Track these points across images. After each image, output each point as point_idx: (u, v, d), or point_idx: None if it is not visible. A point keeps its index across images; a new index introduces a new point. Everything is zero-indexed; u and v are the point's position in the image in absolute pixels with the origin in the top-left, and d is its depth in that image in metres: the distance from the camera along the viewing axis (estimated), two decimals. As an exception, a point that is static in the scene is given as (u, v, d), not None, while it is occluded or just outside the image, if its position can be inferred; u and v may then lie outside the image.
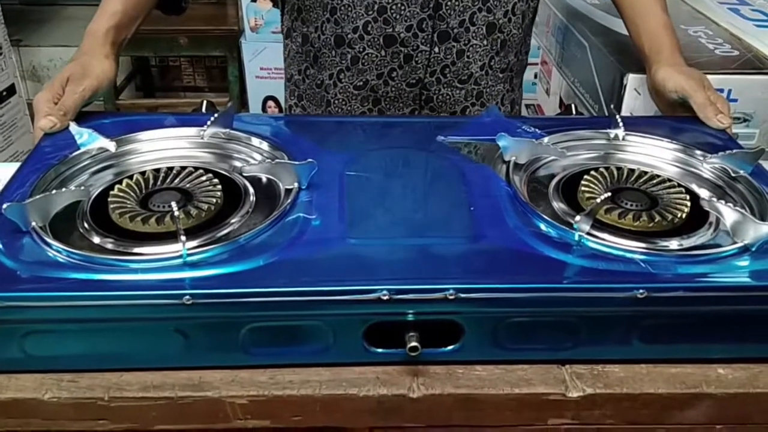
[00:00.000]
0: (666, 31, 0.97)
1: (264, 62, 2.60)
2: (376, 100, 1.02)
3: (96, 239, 0.65)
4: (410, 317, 0.60)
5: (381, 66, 0.99)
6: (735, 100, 1.04)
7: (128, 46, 0.94)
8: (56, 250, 0.61)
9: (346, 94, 1.03)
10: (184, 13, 1.04)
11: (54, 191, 0.66)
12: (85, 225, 0.66)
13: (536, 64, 1.95)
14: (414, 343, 0.59)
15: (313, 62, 1.04)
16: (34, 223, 0.63)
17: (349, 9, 0.95)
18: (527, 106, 2.00)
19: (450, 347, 0.62)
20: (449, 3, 0.95)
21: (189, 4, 1.03)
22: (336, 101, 1.04)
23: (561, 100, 1.50)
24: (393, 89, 1.00)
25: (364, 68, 0.99)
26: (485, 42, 1.00)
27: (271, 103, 2.70)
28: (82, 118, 0.82)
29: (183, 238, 0.60)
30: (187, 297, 0.57)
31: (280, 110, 2.64)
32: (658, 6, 0.99)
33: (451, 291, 0.59)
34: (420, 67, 0.98)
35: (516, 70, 1.09)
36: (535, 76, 2.00)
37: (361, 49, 0.98)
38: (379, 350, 0.61)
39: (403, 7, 0.94)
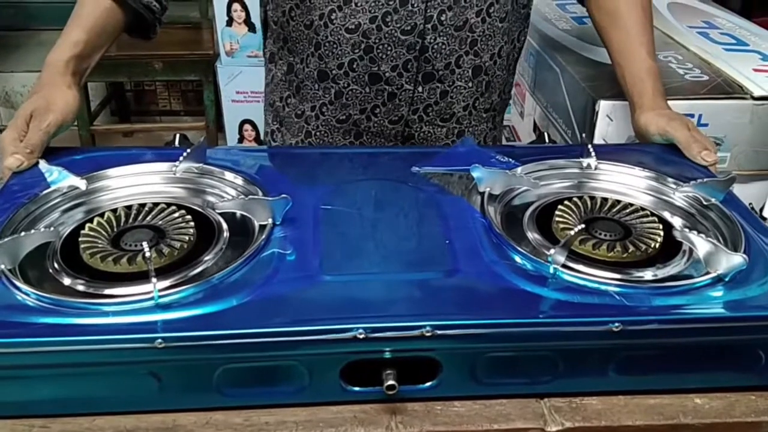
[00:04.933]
0: (649, 76, 0.97)
1: (240, 86, 2.60)
2: (358, 134, 1.02)
3: (66, 281, 0.64)
4: (387, 355, 0.59)
5: (364, 102, 0.98)
6: (706, 125, 1.05)
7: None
8: (25, 293, 0.60)
9: (328, 127, 1.02)
10: (156, 38, 1.01)
11: (23, 233, 0.65)
12: (56, 266, 0.65)
13: (511, 86, 1.96)
14: (391, 382, 0.58)
15: (296, 92, 1.03)
16: (2, 266, 0.62)
17: (335, 46, 0.95)
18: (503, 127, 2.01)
19: (428, 384, 0.61)
20: (436, 46, 0.94)
21: (157, 34, 1.01)
22: (318, 133, 1.03)
23: (535, 123, 1.51)
24: (375, 125, 1.00)
25: (347, 103, 0.99)
26: (470, 84, 1.00)
27: (247, 126, 2.69)
28: (53, 153, 0.81)
29: (154, 279, 0.59)
30: (159, 340, 0.56)
31: (257, 134, 2.64)
32: (644, 50, 0.99)
33: (427, 328, 0.58)
34: (403, 104, 0.98)
35: (499, 109, 1.09)
36: (511, 98, 2.01)
37: (345, 85, 0.97)
38: (357, 389, 0.61)
39: (389, 48, 0.94)
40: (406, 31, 0.93)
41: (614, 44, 1.02)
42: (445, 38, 0.94)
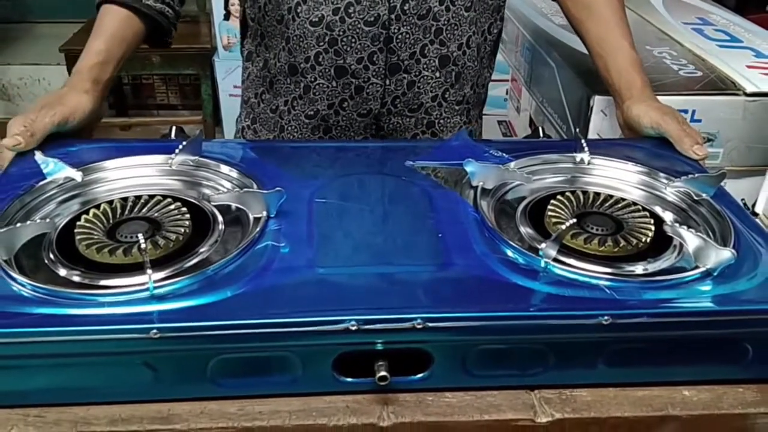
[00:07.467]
0: (635, 68, 0.97)
1: (237, 80, 2.58)
2: (327, 128, 1.03)
3: (62, 272, 0.64)
4: (379, 346, 0.60)
5: (332, 96, 0.99)
6: (699, 121, 1.06)
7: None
8: (21, 284, 0.60)
9: (299, 122, 1.04)
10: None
11: (19, 224, 0.65)
12: (51, 257, 0.66)
13: (507, 81, 1.97)
14: (383, 373, 0.59)
15: (269, 87, 1.05)
16: (-2, 257, 0.63)
17: (301, 39, 0.96)
18: (499, 122, 2.02)
19: (419, 375, 0.62)
20: (400, 36, 0.95)
21: (173, 37, 1.04)
22: (289, 128, 1.05)
23: (531, 118, 1.52)
24: (344, 119, 1.01)
25: (315, 98, 1.00)
26: (438, 74, 1.00)
27: (244, 120, 2.69)
28: (50, 144, 0.81)
29: (149, 271, 0.59)
30: (154, 331, 0.57)
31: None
32: (626, 42, 0.99)
33: (419, 320, 0.59)
34: (371, 98, 0.99)
35: (473, 102, 1.09)
36: (507, 93, 2.02)
37: (312, 79, 0.99)
38: (349, 379, 0.61)
39: (354, 40, 0.94)
40: (370, 22, 0.93)
41: (594, 36, 1.02)
42: (408, 27, 0.95)
